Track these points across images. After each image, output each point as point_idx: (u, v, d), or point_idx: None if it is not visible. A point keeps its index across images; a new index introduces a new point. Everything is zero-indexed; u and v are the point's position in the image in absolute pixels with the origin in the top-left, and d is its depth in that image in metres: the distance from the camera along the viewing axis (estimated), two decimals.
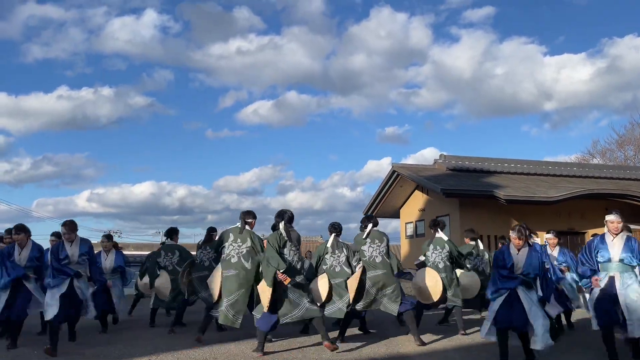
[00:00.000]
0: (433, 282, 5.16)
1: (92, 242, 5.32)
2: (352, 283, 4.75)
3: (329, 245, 5.01)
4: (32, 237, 5.15)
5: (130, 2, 54.71)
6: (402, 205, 16.16)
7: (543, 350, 3.80)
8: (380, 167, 44.62)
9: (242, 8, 53.48)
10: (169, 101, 57.85)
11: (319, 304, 4.57)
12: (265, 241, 5.13)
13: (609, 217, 4.19)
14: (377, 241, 4.96)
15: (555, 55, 50.54)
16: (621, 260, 4.05)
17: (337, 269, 4.90)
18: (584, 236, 11.57)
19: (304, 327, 5.18)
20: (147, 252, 12.00)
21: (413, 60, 54.92)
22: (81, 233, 4.89)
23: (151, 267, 6.16)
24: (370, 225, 5.05)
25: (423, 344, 4.72)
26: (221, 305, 4.75)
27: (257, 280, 4.76)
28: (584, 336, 5.07)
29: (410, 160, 24.42)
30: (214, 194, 59.11)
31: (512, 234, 4.11)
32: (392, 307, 4.73)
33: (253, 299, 4.79)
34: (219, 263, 4.90)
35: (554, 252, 5.39)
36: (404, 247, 15.89)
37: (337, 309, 4.70)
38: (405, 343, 4.89)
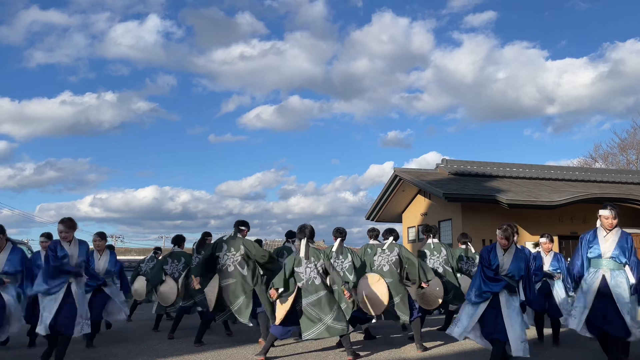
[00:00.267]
0: (437, 288, 5.20)
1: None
2: (382, 288, 4.82)
3: (333, 250, 5.02)
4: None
5: (133, 8, 54.58)
6: (404, 210, 16.29)
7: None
8: (382, 171, 44.61)
9: (244, 13, 54.98)
10: (172, 106, 58.55)
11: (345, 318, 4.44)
12: (266, 241, 5.03)
13: (603, 212, 4.10)
14: (387, 251, 5.04)
15: (557, 60, 51.08)
16: (612, 258, 3.97)
17: (315, 280, 4.72)
18: None
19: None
20: (141, 257, 12.08)
21: (415, 64, 55.45)
22: (83, 237, 4.69)
23: (157, 273, 6.22)
24: (391, 238, 5.12)
25: (425, 349, 4.77)
26: (229, 311, 4.90)
27: (256, 284, 4.92)
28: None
29: (412, 164, 24.52)
30: (216, 198, 59.87)
31: (499, 233, 4.00)
32: (405, 315, 4.81)
33: (256, 304, 4.90)
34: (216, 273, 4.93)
35: (548, 257, 5.25)
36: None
37: (327, 325, 4.56)
38: (408, 348, 4.93)
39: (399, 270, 5.08)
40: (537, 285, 5.19)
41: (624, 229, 9.42)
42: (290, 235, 6.51)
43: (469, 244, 6.36)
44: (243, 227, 5.29)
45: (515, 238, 4.08)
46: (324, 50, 52.49)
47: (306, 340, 4.77)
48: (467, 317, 3.94)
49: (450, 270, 5.46)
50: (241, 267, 5.02)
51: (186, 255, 6.40)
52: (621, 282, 3.80)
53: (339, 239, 5.06)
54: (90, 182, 58.25)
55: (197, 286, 4.96)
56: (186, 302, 5.79)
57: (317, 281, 4.48)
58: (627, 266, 3.83)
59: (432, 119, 55.95)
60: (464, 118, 52.53)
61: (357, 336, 5.36)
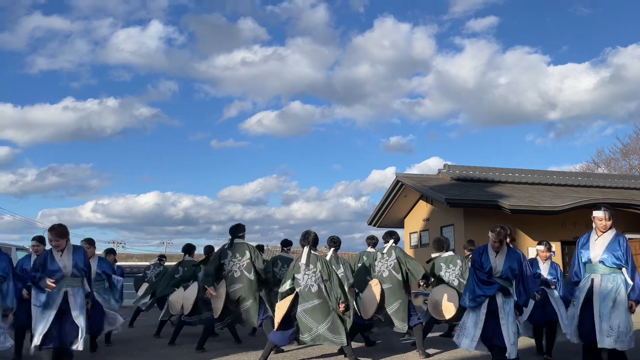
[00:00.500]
0: (452, 301, 5.18)
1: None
2: (374, 295, 4.84)
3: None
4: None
5: (135, 14, 53.55)
6: (406, 215, 16.35)
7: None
8: (384, 176, 44.82)
9: (246, 19, 56.59)
10: (174, 112, 58.86)
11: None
12: (267, 247, 5.13)
13: (597, 213, 3.95)
14: (386, 256, 5.10)
15: (559, 65, 51.91)
16: (601, 262, 3.82)
17: (314, 288, 4.72)
18: None
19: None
20: (145, 263, 12.19)
21: (416, 70, 56.47)
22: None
23: (168, 281, 6.32)
24: (391, 241, 5.12)
25: (427, 355, 4.79)
26: (239, 310, 5.04)
27: (261, 288, 5.05)
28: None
29: (414, 169, 24.82)
30: (218, 204, 60.11)
31: (492, 236, 3.94)
32: (402, 325, 4.81)
33: (262, 308, 5.03)
34: (221, 280, 5.00)
35: (545, 265, 4.98)
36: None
37: (317, 334, 4.63)
38: (410, 355, 4.95)
39: (399, 275, 5.05)
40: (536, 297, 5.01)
41: (631, 236, 9.26)
42: (285, 244, 6.54)
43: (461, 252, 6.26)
44: (241, 233, 5.36)
45: (508, 240, 4.03)
46: (325, 55, 54.68)
47: (308, 346, 4.82)
48: (473, 324, 3.87)
49: (465, 282, 5.48)
50: (247, 272, 5.10)
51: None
52: (610, 286, 3.69)
53: (332, 249, 5.09)
54: (92, 188, 58.99)
55: (214, 293, 5.02)
56: (191, 317, 5.77)
57: (314, 289, 4.46)
58: (623, 269, 3.68)
59: (434, 124, 57.39)
60: (466, 123, 53.55)
61: (358, 342, 5.38)
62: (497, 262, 3.90)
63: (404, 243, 16.06)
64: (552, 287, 5.19)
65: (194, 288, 5.69)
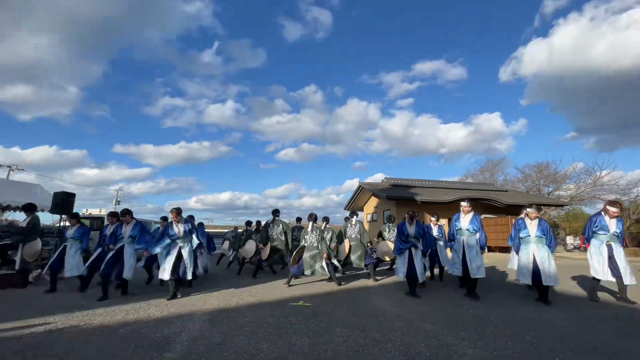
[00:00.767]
0: (390, 248, 7.20)
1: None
2: (344, 249, 6.98)
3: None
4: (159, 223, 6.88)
5: (219, 96, 72.72)
6: (365, 204, 21.54)
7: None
8: (352, 184, 70.40)
9: (279, 100, 77.29)
10: (240, 148, 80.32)
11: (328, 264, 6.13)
12: (290, 222, 7.41)
13: (463, 203, 5.58)
14: (355, 226, 7.30)
15: (446, 124, 77.93)
16: (467, 230, 5.36)
17: (314, 244, 6.43)
18: None
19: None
20: (225, 231, 15.81)
21: (370, 126, 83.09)
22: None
23: (264, 233, 7.66)
24: (355, 217, 7.38)
25: (377, 280, 6.93)
26: (276, 255, 7.22)
27: (288, 244, 7.13)
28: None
29: (369, 180, 33.02)
30: (263, 198, 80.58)
31: (406, 216, 5.70)
32: (360, 263, 7.00)
33: (288, 255, 7.12)
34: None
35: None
36: (366, 228, 19.54)
37: (314, 269, 6.28)
38: (367, 280, 7.09)
39: (360, 237, 7.15)
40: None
41: (485, 215, 14.82)
42: (298, 220, 8.88)
43: (390, 223, 8.12)
44: (278, 214, 7.47)
45: (416, 217, 5.75)
46: (321, 118, 73.75)
47: (309, 276, 6.50)
48: (402, 265, 5.52)
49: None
50: (281, 235, 7.30)
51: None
52: (472, 242, 5.28)
53: (324, 222, 6.95)
54: (195, 190, 70.68)
55: (262, 246, 7.11)
56: (251, 259, 7.82)
57: (314, 244, 6.36)
58: (477, 233, 5.32)
59: (379, 156, 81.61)
60: (396, 155, 76.64)
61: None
62: (411, 229, 5.59)
63: (363, 219, 21.04)
64: (440, 241, 7.19)
65: (252, 243, 7.74)
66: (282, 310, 4.49)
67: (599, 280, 5.19)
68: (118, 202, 37.68)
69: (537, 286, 5.10)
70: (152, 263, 6.70)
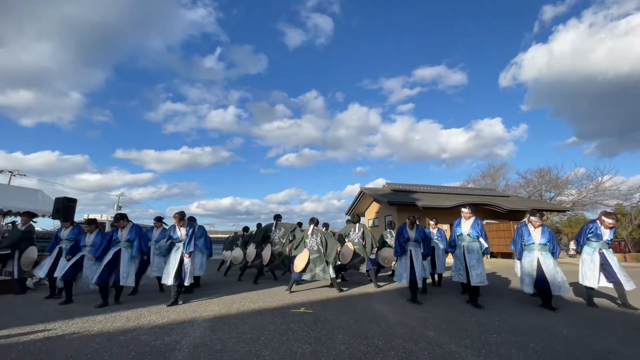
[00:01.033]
0: (391, 253, 7.12)
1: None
2: (349, 250, 6.79)
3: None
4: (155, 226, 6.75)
5: (221, 102, 79.61)
6: (366, 209, 21.40)
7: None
8: (354, 189, 69.25)
9: (280, 105, 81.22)
10: (241, 154, 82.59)
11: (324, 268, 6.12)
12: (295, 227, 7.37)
13: (463, 209, 5.45)
14: (356, 230, 7.22)
15: (447, 129, 77.90)
16: (469, 235, 5.21)
17: (315, 247, 6.40)
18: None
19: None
20: (226, 236, 15.85)
21: (371, 131, 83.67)
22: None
23: (258, 236, 7.90)
24: (359, 222, 7.34)
25: (378, 286, 6.78)
26: (278, 260, 7.12)
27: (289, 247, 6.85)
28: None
29: (370, 185, 33.21)
30: (264, 203, 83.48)
31: (407, 221, 5.59)
32: (362, 268, 6.94)
33: (291, 259, 6.74)
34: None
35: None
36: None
37: (315, 273, 6.25)
38: (368, 286, 7.03)
39: (363, 242, 7.05)
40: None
41: (487, 221, 14.67)
42: (299, 225, 8.74)
43: (392, 230, 8.06)
44: (280, 218, 7.60)
45: (417, 222, 5.68)
46: (322, 124, 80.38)
47: (309, 281, 6.77)
48: (404, 269, 5.42)
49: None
50: (282, 239, 7.36)
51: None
52: (473, 248, 5.11)
53: (325, 227, 7.26)
54: (196, 195, 76.29)
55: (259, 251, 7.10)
56: (252, 263, 7.82)
57: (315, 248, 6.34)
58: (480, 238, 5.19)
59: (380, 161, 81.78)
60: (397, 160, 76.69)
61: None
62: (411, 233, 5.56)
63: (364, 225, 21.36)
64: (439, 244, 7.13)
65: (252, 247, 7.74)
66: (284, 317, 4.46)
67: (592, 287, 5.18)
68: (119, 208, 37.74)
69: (542, 293, 5.05)
70: (143, 271, 6.40)
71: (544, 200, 27.03)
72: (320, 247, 6.34)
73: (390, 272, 8.84)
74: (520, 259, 5.33)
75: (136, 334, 3.67)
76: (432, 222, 7.44)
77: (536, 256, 5.06)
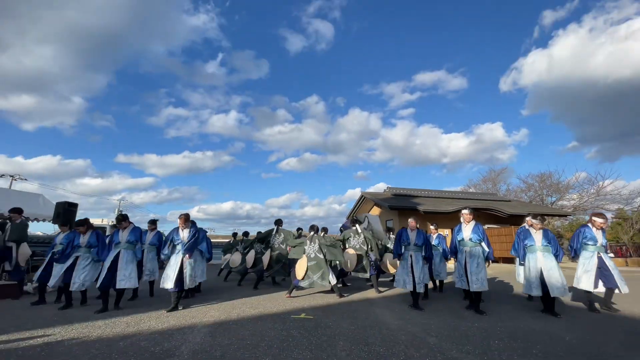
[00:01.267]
0: (392, 263, 7.12)
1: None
2: (353, 257, 6.74)
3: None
4: (154, 230, 6.74)
5: (222, 107, 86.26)
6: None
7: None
8: (354, 193, 68.41)
9: (281, 110, 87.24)
10: (242, 158, 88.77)
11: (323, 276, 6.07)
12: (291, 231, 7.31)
13: (464, 211, 5.41)
14: (356, 236, 7.15)
15: (448, 133, 77.50)
16: (471, 239, 5.14)
17: (312, 255, 6.36)
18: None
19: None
20: (226, 240, 15.84)
21: (371, 136, 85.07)
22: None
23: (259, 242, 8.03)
24: (357, 225, 7.23)
25: (380, 292, 6.76)
26: (277, 266, 7.06)
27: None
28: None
29: (371, 189, 33.49)
30: (265, 207, 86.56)
31: (410, 221, 5.59)
32: (364, 275, 6.85)
33: (292, 266, 6.82)
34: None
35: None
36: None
37: (313, 281, 6.23)
38: (369, 292, 7.01)
39: (365, 247, 6.96)
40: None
41: (489, 226, 14.47)
42: (298, 230, 8.83)
43: (390, 233, 8.52)
44: (281, 224, 7.49)
45: (418, 226, 5.63)
46: (323, 128, 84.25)
47: (309, 288, 6.62)
48: (406, 275, 5.32)
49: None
50: (282, 244, 7.34)
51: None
52: (475, 253, 5.02)
53: (323, 232, 6.92)
54: (197, 199, 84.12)
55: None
56: (253, 269, 7.80)
57: (313, 255, 6.31)
58: (482, 243, 5.15)
59: (381, 165, 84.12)
60: (398, 165, 79.24)
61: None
62: (412, 235, 5.53)
63: (364, 230, 21.11)
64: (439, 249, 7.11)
65: (252, 253, 7.70)
66: (284, 323, 4.43)
67: (589, 291, 5.16)
68: (120, 212, 37.74)
69: (545, 298, 5.02)
70: (140, 276, 6.23)
71: (545, 205, 26.95)
72: (318, 255, 6.31)
73: (391, 278, 8.79)
74: (523, 263, 5.30)
75: (136, 340, 3.65)
76: (432, 227, 7.42)
77: (538, 258, 5.05)
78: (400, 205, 16.52)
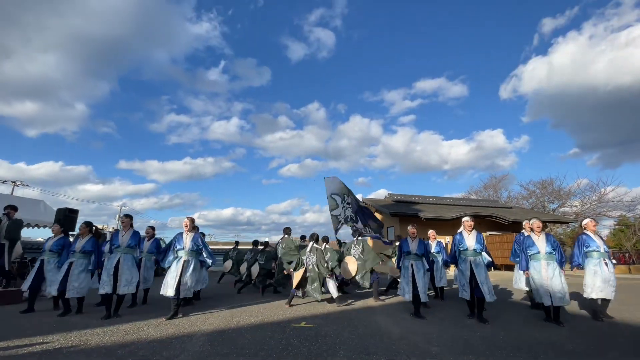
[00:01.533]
0: (349, 267, 7.07)
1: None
2: (353, 266, 6.83)
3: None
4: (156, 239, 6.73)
5: (224, 113, 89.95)
6: None
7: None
8: None
9: (283, 116, 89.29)
10: (243, 164, 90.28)
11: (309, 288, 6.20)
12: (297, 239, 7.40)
13: (465, 219, 5.29)
14: (357, 246, 7.21)
15: (448, 140, 78.72)
16: (474, 249, 5.04)
17: (310, 266, 6.37)
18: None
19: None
20: (226, 247, 15.83)
21: (372, 142, 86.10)
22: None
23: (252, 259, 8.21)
24: (358, 237, 7.39)
25: (380, 300, 6.75)
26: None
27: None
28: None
29: (372, 195, 33.54)
30: (265, 213, 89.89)
31: (410, 229, 5.53)
32: (366, 283, 6.80)
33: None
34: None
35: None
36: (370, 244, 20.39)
37: (307, 290, 6.42)
38: (370, 300, 6.94)
39: (364, 257, 6.96)
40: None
41: (490, 232, 14.55)
42: (302, 238, 8.86)
43: (395, 242, 8.25)
44: (290, 231, 7.74)
45: (416, 234, 5.62)
46: (324, 135, 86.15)
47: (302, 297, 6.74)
48: (407, 284, 5.31)
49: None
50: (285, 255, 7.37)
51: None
52: (480, 262, 4.97)
53: (324, 243, 7.14)
54: (197, 205, 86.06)
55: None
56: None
57: (311, 266, 6.32)
58: (483, 252, 5.10)
59: (382, 171, 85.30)
60: (399, 171, 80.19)
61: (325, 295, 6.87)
62: (412, 245, 5.49)
63: (364, 239, 21.06)
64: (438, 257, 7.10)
65: (256, 266, 7.84)
66: (284, 332, 4.39)
67: (596, 299, 5.10)
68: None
69: (548, 306, 4.96)
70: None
71: (547, 212, 26.83)
72: (315, 268, 6.31)
73: (385, 289, 8.37)
74: (525, 270, 5.25)
75: (134, 348, 3.62)
76: (430, 233, 7.40)
77: (543, 266, 4.99)
78: (401, 211, 16.49)
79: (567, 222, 21.67)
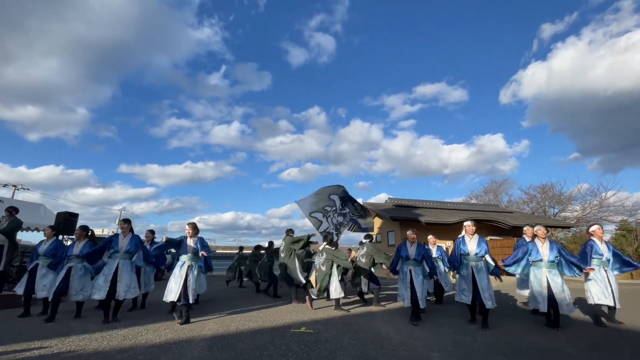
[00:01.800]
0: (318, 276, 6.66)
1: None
2: (312, 277, 6.59)
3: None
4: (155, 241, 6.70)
5: (225, 117, 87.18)
6: None
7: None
8: None
9: (283, 121, 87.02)
10: (244, 168, 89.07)
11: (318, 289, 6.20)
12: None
13: (467, 224, 5.22)
14: (361, 249, 7.16)
15: (449, 144, 79.01)
16: (476, 254, 4.97)
17: (317, 266, 6.47)
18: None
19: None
20: (228, 251, 15.76)
21: (372, 147, 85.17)
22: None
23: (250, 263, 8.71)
24: (366, 241, 7.14)
25: (382, 306, 6.74)
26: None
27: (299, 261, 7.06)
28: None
29: (372, 200, 33.13)
30: (266, 218, 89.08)
31: (409, 233, 5.44)
32: (364, 288, 6.83)
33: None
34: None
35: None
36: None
37: (316, 290, 6.40)
38: (371, 305, 6.93)
39: (366, 260, 6.85)
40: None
41: (491, 237, 14.32)
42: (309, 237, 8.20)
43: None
44: (292, 233, 7.64)
45: (415, 236, 5.49)
46: (324, 139, 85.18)
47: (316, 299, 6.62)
48: (405, 289, 5.25)
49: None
50: (282, 252, 7.42)
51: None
52: (482, 268, 4.93)
53: (334, 247, 6.79)
54: (198, 209, 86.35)
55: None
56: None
57: (318, 266, 6.45)
58: (486, 256, 5.04)
59: (382, 176, 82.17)
60: (399, 175, 76.86)
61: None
62: (411, 250, 5.40)
63: (368, 243, 20.97)
64: (440, 261, 7.08)
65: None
66: (284, 337, 4.36)
67: (600, 305, 5.07)
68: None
69: (549, 312, 4.93)
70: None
71: (547, 216, 26.78)
72: (322, 267, 6.32)
73: (384, 295, 8.41)
74: (514, 274, 5.31)
75: (133, 354, 3.59)
76: (430, 238, 7.35)
77: (544, 274, 4.93)
78: (401, 216, 16.50)
79: (568, 227, 21.66)
